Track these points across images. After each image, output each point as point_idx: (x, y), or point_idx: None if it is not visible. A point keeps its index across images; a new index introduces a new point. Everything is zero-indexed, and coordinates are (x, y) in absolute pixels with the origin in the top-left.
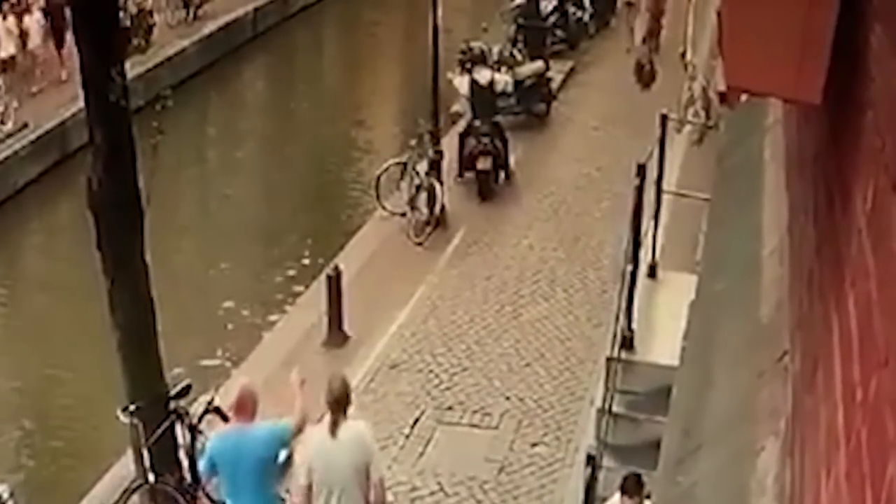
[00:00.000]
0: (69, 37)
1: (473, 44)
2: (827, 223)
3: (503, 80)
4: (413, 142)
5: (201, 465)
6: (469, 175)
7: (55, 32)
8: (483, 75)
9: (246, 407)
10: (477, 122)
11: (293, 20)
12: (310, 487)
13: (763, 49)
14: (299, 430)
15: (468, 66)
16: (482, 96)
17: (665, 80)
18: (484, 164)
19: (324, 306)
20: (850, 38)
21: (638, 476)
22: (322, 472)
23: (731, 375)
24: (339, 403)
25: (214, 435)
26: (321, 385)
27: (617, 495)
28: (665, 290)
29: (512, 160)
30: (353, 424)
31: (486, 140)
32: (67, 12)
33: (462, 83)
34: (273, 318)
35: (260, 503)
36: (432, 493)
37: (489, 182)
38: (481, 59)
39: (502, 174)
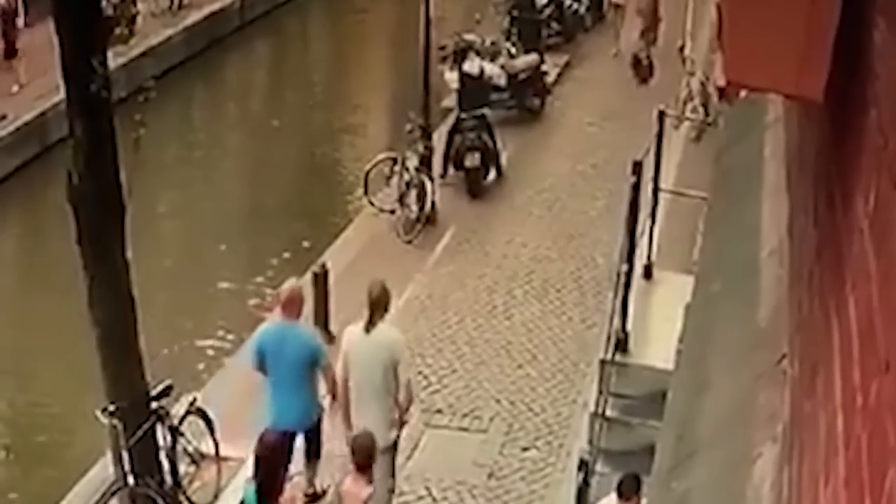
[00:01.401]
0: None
1: (466, 36)
2: (828, 223)
3: (494, 70)
4: (403, 137)
5: (250, 357)
6: (456, 173)
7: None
8: (473, 66)
9: (293, 305)
10: (464, 116)
11: (281, 10)
12: (346, 381)
13: (764, 44)
14: None
15: (456, 57)
16: (472, 88)
17: (663, 75)
18: (472, 160)
19: (310, 305)
20: (854, 33)
21: (636, 476)
22: (356, 365)
23: (728, 379)
24: (376, 306)
25: (261, 329)
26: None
27: (613, 496)
28: (661, 291)
29: (503, 156)
30: (386, 328)
31: (472, 136)
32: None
33: (451, 76)
34: (258, 316)
35: (301, 395)
36: (420, 499)
37: (478, 179)
38: (468, 50)
39: (493, 170)
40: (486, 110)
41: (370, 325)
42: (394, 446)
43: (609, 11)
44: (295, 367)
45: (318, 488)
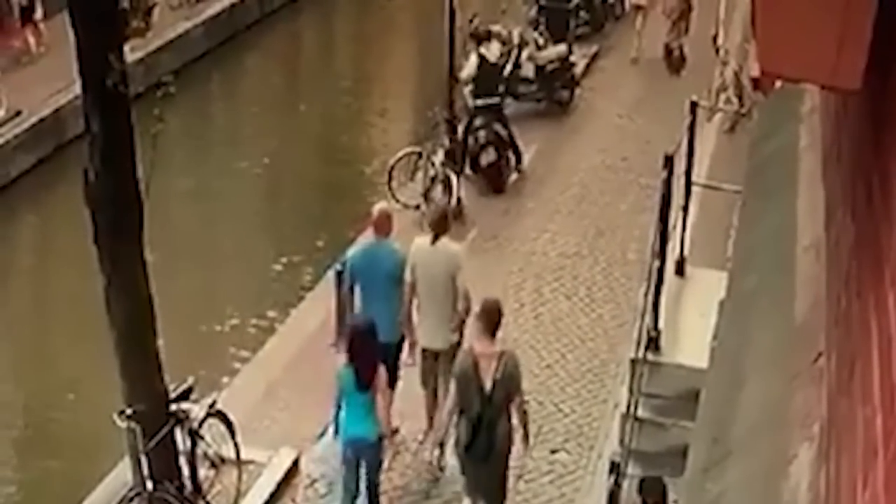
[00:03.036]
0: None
1: (492, 27)
2: (866, 217)
3: (512, 55)
4: (428, 130)
5: (344, 274)
6: (475, 175)
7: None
8: (492, 51)
9: (384, 225)
10: (479, 104)
11: (301, 1)
12: (413, 286)
13: (799, 32)
14: None
15: (479, 41)
16: (488, 75)
17: (695, 65)
18: (487, 157)
19: (332, 303)
20: (893, 19)
21: (659, 478)
22: (421, 272)
23: (763, 378)
24: (438, 225)
25: (354, 248)
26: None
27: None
28: (693, 287)
29: (522, 145)
30: (449, 243)
31: (483, 133)
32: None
33: (469, 63)
34: (280, 316)
35: (390, 308)
36: (447, 503)
37: (499, 174)
38: (488, 36)
39: (512, 159)
40: (498, 99)
41: (434, 240)
42: (456, 345)
43: (630, 13)
44: (386, 281)
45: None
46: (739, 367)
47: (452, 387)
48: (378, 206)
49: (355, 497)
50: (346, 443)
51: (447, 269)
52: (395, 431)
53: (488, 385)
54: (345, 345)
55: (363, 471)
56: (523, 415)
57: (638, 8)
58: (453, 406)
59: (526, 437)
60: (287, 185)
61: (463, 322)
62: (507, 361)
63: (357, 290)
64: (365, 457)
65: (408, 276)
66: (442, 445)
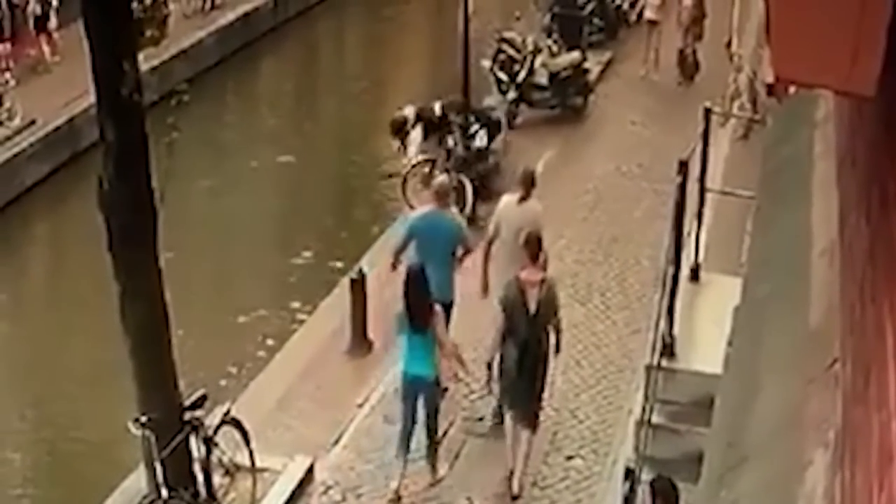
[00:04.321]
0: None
1: (506, 34)
2: (880, 222)
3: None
4: (442, 137)
5: (397, 238)
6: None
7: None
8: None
9: (444, 196)
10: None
11: (317, 9)
12: (490, 242)
13: (814, 38)
14: None
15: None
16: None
17: (709, 71)
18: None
19: (347, 312)
20: None
21: (669, 479)
22: (507, 227)
23: (778, 384)
24: (524, 184)
25: (414, 216)
26: (343, 394)
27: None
28: (708, 293)
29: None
30: (534, 202)
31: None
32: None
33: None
34: (293, 324)
35: (445, 272)
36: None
37: (486, 185)
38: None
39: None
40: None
41: (521, 200)
42: None
43: (644, 28)
44: (444, 246)
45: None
46: (754, 373)
47: (499, 314)
48: (438, 179)
49: (411, 432)
50: (405, 380)
51: (531, 227)
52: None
53: (533, 307)
54: (402, 290)
55: (420, 408)
56: (558, 333)
57: (652, 24)
58: (500, 331)
59: (557, 348)
60: (302, 193)
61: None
62: (548, 286)
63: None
64: (422, 394)
65: (491, 230)
66: (490, 367)
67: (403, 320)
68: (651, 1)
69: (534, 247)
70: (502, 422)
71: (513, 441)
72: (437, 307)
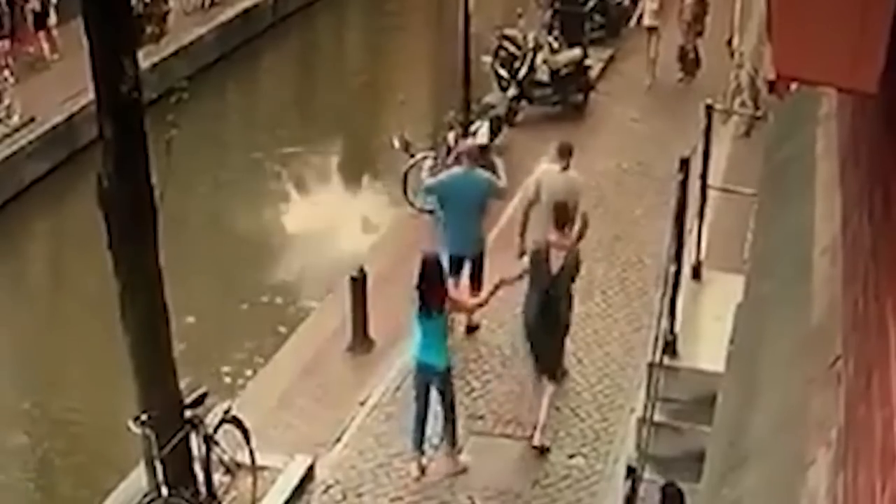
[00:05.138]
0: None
1: (507, 31)
2: (883, 220)
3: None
4: (443, 135)
5: (426, 195)
6: None
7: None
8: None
9: (472, 156)
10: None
11: (316, 5)
12: (530, 205)
13: (816, 34)
14: None
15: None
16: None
17: (710, 68)
18: None
19: (348, 310)
20: None
21: (679, 490)
22: (547, 194)
23: (780, 382)
24: (564, 154)
25: (447, 174)
26: (344, 393)
27: None
28: (710, 291)
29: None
30: (573, 173)
31: None
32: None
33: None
34: (294, 322)
35: (474, 227)
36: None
37: None
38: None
39: None
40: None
41: (562, 168)
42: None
43: (643, 35)
44: (475, 203)
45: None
46: (756, 371)
47: (526, 258)
48: (469, 141)
49: (424, 420)
50: (417, 368)
51: (572, 195)
52: (476, 327)
53: (554, 269)
54: (417, 276)
55: (434, 397)
56: (570, 299)
57: (650, 30)
58: (526, 277)
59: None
60: (303, 191)
61: (580, 238)
62: (573, 255)
63: (445, 209)
64: (434, 383)
65: (530, 195)
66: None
67: (416, 306)
68: (649, 6)
69: (560, 216)
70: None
71: (534, 393)
72: (451, 288)
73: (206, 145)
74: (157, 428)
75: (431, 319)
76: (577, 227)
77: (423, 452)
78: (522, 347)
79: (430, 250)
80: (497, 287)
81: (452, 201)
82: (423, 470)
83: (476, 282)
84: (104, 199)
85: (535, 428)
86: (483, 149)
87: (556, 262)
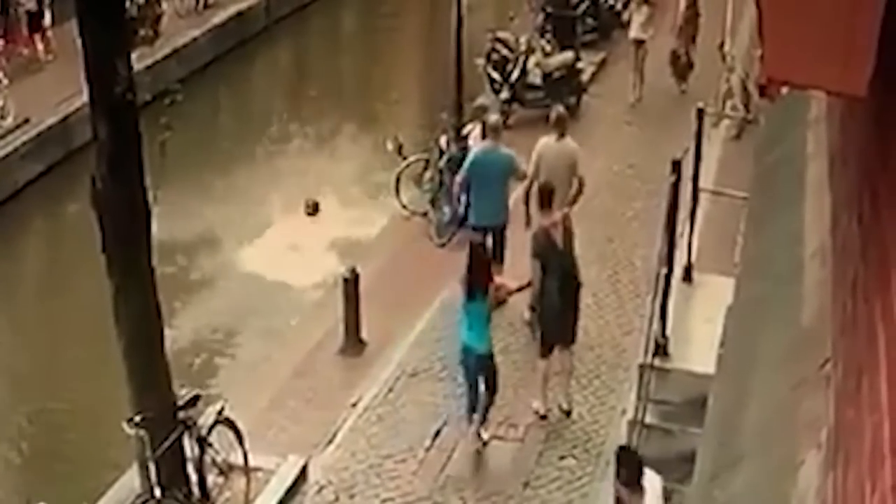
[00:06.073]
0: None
1: (500, 34)
2: (872, 223)
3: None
4: (435, 137)
5: (462, 172)
6: None
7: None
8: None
9: (497, 133)
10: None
11: (309, 9)
12: (531, 181)
13: (806, 38)
14: None
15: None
16: None
17: (702, 71)
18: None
19: (340, 311)
20: None
21: (635, 451)
22: (546, 163)
23: (770, 384)
24: (559, 125)
25: (475, 149)
26: (336, 394)
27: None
28: (701, 294)
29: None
30: (569, 140)
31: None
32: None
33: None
34: (286, 323)
35: (499, 199)
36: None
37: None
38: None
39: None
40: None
41: (558, 138)
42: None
43: (631, 49)
44: (500, 176)
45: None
46: (747, 373)
47: (535, 265)
48: (493, 118)
49: (475, 399)
50: (462, 350)
51: (567, 160)
52: (503, 302)
53: (560, 243)
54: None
55: (478, 375)
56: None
57: (638, 43)
58: (539, 279)
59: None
60: (295, 190)
61: (574, 202)
62: (567, 221)
63: (472, 184)
64: (475, 364)
65: (530, 170)
66: (534, 309)
67: (463, 290)
68: (636, 19)
69: (544, 196)
70: (551, 350)
71: (547, 371)
72: (497, 278)
73: (199, 146)
74: (150, 429)
75: (475, 303)
76: (574, 185)
77: (471, 420)
78: (534, 338)
79: (477, 239)
80: (521, 288)
81: (480, 175)
82: (484, 444)
83: (497, 253)
84: (98, 200)
85: (548, 411)
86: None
87: (559, 235)
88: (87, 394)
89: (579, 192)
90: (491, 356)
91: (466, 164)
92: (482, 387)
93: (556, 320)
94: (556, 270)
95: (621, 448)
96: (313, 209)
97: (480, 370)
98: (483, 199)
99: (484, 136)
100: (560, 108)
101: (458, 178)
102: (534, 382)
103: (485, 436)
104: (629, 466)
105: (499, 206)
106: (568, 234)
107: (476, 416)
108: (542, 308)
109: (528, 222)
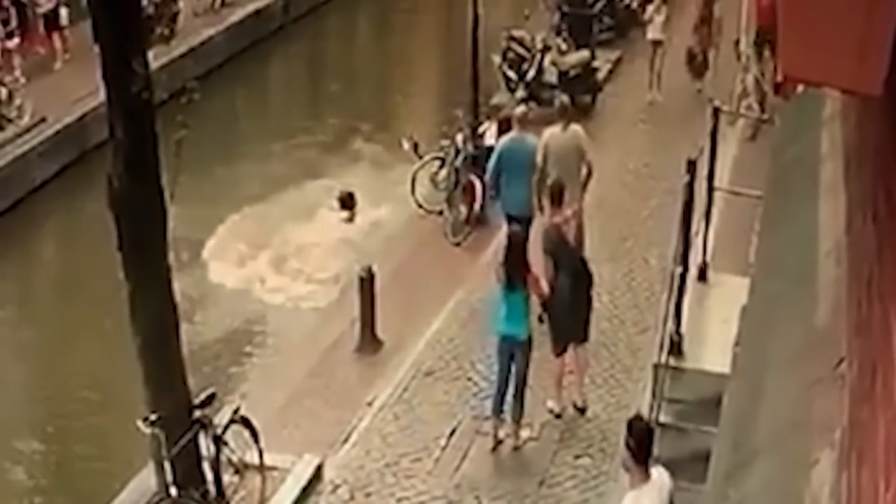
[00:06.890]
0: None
1: (515, 33)
2: (887, 222)
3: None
4: (451, 135)
5: (490, 169)
6: None
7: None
8: None
9: (525, 123)
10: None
11: (326, 7)
12: (541, 171)
13: (821, 37)
14: None
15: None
16: None
17: (718, 70)
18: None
19: (356, 310)
20: None
21: (647, 423)
22: (554, 151)
23: (785, 384)
24: (562, 114)
25: (503, 140)
26: (352, 393)
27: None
28: (716, 293)
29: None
30: (577, 127)
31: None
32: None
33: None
34: (302, 323)
35: (525, 186)
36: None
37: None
38: None
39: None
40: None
41: (564, 127)
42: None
43: (648, 49)
44: (526, 167)
45: None
46: (761, 372)
47: (548, 261)
48: (520, 108)
49: (505, 391)
50: (501, 340)
51: (575, 148)
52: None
53: (571, 239)
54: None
55: (514, 367)
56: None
57: (656, 44)
58: (551, 277)
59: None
60: (312, 188)
61: (588, 182)
62: (578, 218)
63: (502, 175)
64: (517, 352)
65: (539, 160)
66: (545, 307)
67: (502, 281)
68: (655, 19)
69: (555, 193)
70: (565, 349)
71: (561, 369)
72: (534, 271)
73: (217, 145)
74: (166, 428)
75: (515, 293)
76: (584, 171)
77: (501, 420)
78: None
79: (515, 229)
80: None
81: (509, 165)
82: (499, 442)
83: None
84: (114, 199)
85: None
86: (491, 150)
87: (570, 232)
88: (103, 392)
89: (588, 176)
90: (530, 340)
91: (494, 158)
92: (514, 377)
93: (569, 317)
94: (567, 267)
95: (635, 416)
96: (347, 202)
97: (520, 357)
98: (513, 188)
99: (500, 134)
100: (565, 98)
101: (487, 176)
102: (548, 381)
103: (524, 434)
104: (637, 437)
105: (529, 194)
106: (579, 231)
107: (507, 410)
108: (554, 305)
109: (540, 209)
